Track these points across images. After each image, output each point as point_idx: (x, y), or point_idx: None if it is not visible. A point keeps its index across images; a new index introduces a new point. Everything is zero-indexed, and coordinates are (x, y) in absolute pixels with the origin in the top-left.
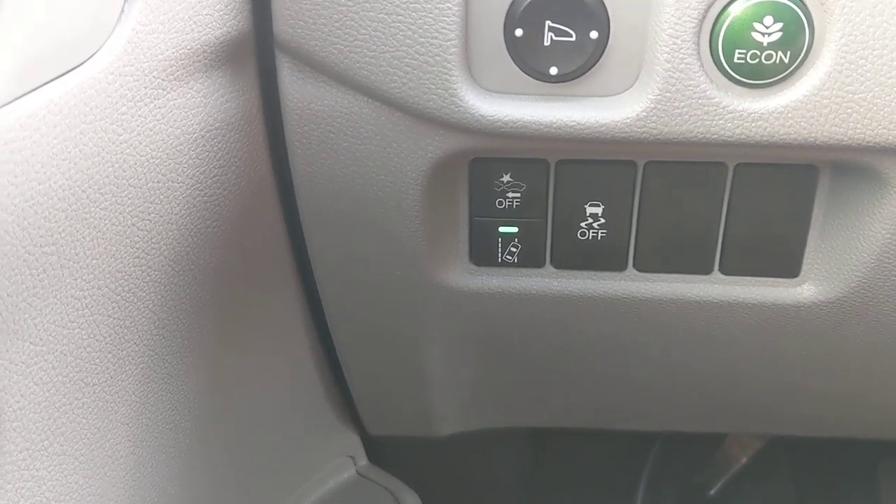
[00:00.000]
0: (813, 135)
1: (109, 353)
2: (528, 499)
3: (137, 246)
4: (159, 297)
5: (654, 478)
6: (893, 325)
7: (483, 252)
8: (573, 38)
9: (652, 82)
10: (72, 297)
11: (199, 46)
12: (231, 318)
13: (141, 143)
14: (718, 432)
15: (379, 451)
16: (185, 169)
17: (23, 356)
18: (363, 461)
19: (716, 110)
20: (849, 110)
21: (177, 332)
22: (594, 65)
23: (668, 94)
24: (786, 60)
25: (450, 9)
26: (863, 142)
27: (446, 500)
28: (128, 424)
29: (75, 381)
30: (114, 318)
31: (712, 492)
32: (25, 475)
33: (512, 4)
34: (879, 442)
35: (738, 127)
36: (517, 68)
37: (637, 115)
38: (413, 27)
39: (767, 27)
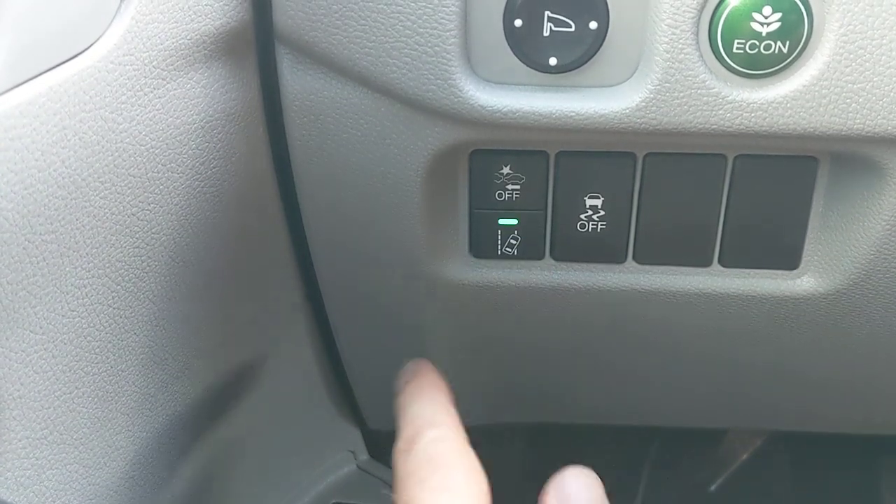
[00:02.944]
0: (812, 125)
1: (109, 342)
2: (527, 494)
3: (137, 236)
4: (159, 287)
5: (655, 474)
6: (893, 317)
7: (483, 244)
8: (572, 29)
9: (651, 73)
10: (71, 285)
11: (199, 37)
12: (231, 309)
13: (141, 133)
14: (719, 427)
15: (380, 445)
16: (184, 159)
17: (23, 344)
18: (364, 456)
19: (715, 100)
20: (848, 100)
21: (176, 324)
22: (593, 55)
23: (667, 85)
24: (785, 50)
25: None
26: (862, 132)
27: None
28: (127, 415)
29: (75, 371)
30: (114, 308)
31: (713, 488)
32: (25, 464)
33: None
34: (880, 438)
35: (737, 117)
36: (516, 59)
37: (636, 105)
38: (412, 18)
39: (766, 17)
